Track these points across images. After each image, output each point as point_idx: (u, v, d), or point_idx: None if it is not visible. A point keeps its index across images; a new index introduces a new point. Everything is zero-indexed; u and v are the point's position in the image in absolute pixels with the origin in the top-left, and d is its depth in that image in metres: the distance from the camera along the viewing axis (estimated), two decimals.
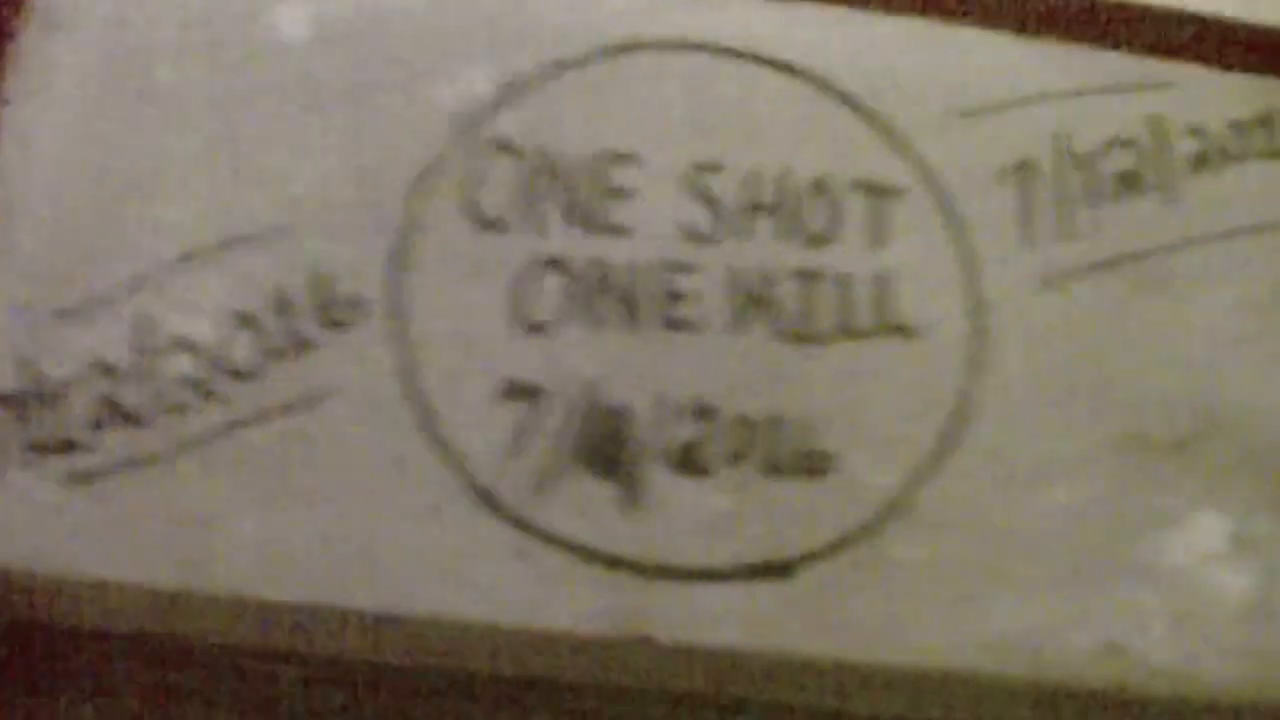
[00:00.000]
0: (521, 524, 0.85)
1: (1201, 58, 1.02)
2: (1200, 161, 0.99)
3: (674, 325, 0.89)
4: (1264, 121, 1.02)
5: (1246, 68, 1.03)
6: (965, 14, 0.98)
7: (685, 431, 0.88)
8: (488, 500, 0.85)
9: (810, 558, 0.87)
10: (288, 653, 0.84)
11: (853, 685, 0.87)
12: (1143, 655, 0.89)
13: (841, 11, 0.97)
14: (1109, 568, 0.91)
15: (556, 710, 0.89)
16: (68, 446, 0.83)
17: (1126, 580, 0.91)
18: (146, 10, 0.90)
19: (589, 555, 0.85)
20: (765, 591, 0.86)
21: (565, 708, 0.88)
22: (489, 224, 0.89)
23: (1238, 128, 1.01)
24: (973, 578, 0.89)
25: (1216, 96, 1.01)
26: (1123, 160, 0.98)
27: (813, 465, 0.89)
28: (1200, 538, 0.93)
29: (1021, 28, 0.99)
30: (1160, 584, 0.92)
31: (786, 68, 0.95)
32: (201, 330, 0.85)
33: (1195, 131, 1.00)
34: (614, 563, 0.85)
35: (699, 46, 0.94)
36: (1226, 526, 0.93)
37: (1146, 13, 1.02)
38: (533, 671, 0.86)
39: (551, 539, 0.85)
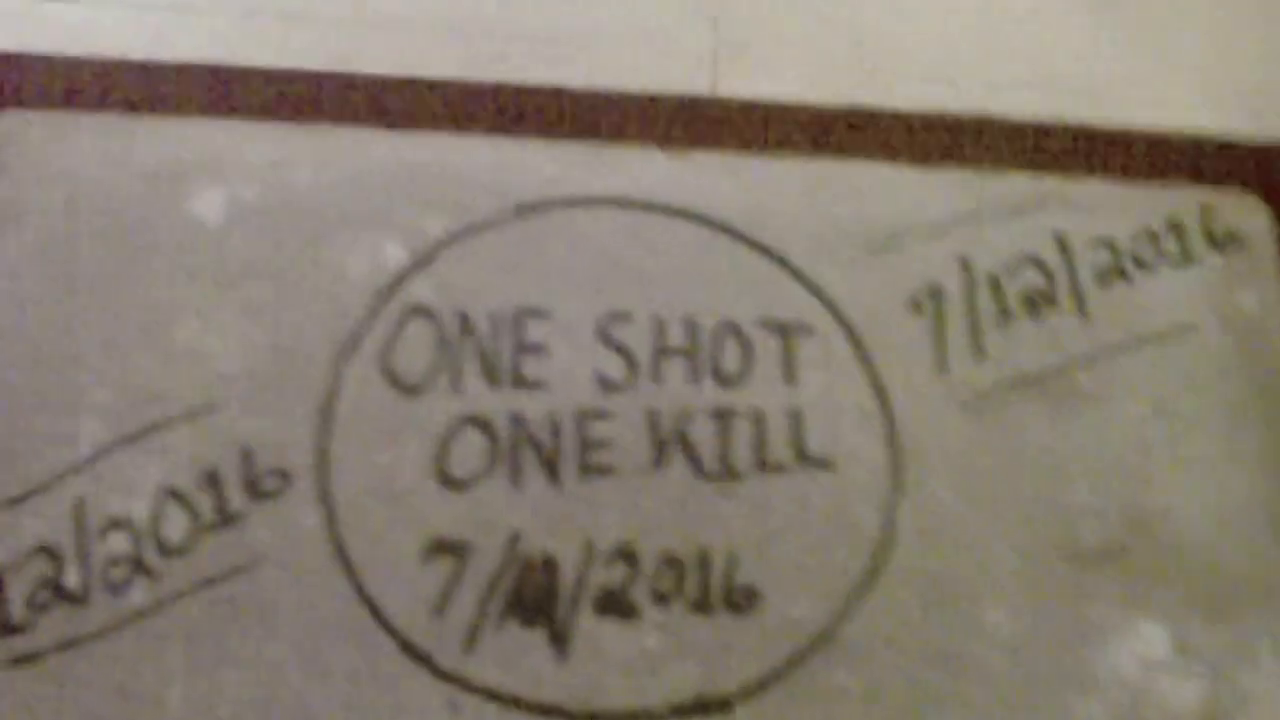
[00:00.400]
0: (454, 679, 0.87)
1: (1102, 169, 1.05)
2: (1111, 273, 1.01)
3: (594, 471, 0.92)
4: (1175, 227, 1.04)
5: (1150, 175, 1.05)
6: (860, 151, 1.02)
7: (611, 575, 0.90)
8: (419, 657, 0.87)
9: (744, 694, 0.88)
10: None
11: None
12: None
13: (737, 158, 1.01)
14: (1053, 681, 0.91)
15: None
16: (11, 630, 0.85)
17: (1072, 693, 0.91)
18: (74, 203, 0.95)
19: (521, 705, 0.86)
20: None
21: None
22: (409, 388, 0.92)
23: (1148, 236, 1.03)
24: (911, 701, 0.90)
25: (1120, 207, 1.04)
26: (1031, 279, 1.01)
27: (739, 601, 0.90)
28: (1143, 647, 0.93)
29: (917, 158, 1.03)
30: (1107, 695, 0.92)
31: (689, 216, 0.98)
32: (135, 510, 0.88)
33: (1102, 244, 1.02)
34: (546, 711, 0.87)
35: (603, 202, 0.98)
36: (1168, 633, 0.93)
37: (1041, 130, 1.05)
38: None
39: (484, 692, 0.86)
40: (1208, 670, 0.93)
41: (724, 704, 0.88)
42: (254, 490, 0.89)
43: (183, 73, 1.01)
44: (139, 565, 0.87)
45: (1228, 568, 0.95)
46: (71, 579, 0.87)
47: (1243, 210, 1.04)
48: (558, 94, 1.03)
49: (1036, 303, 1.00)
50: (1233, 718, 0.92)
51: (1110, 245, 1.02)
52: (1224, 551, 0.96)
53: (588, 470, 0.92)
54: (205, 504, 0.88)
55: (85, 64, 1.00)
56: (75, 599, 0.86)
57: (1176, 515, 0.96)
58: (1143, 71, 1.13)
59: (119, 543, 0.87)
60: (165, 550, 0.87)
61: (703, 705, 0.88)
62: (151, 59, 1.01)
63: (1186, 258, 1.03)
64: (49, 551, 0.87)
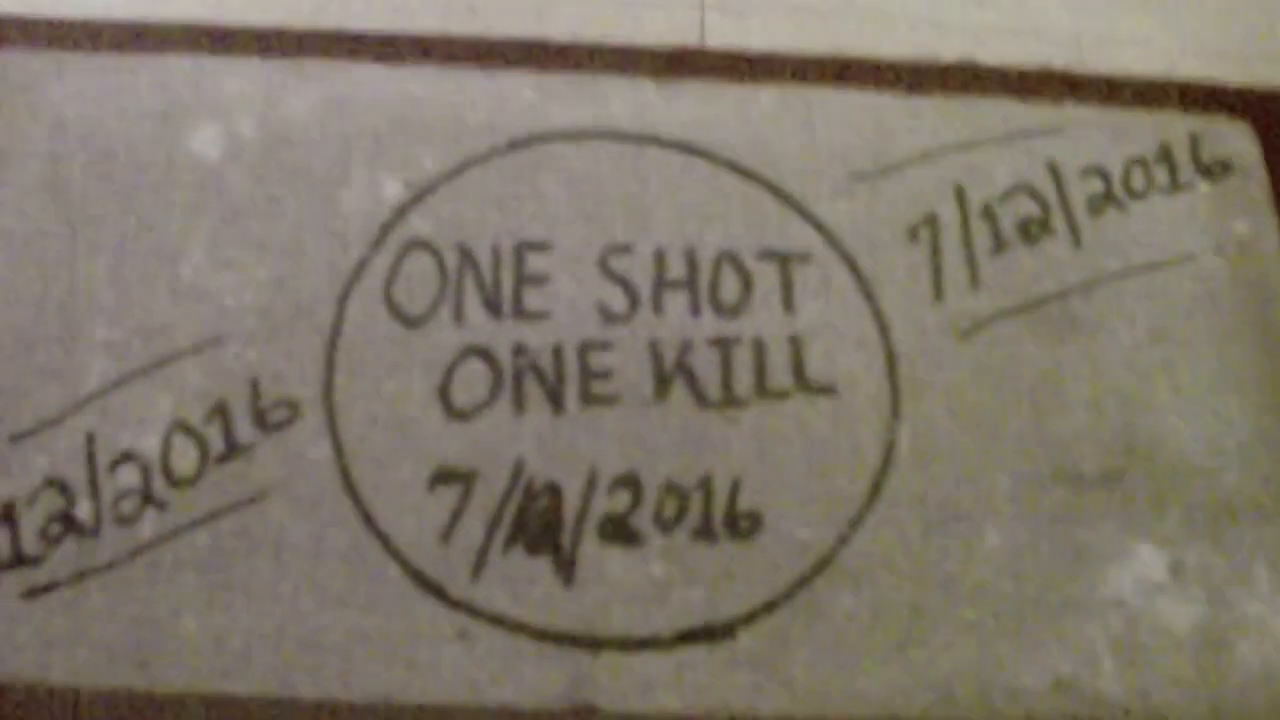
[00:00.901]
0: (461, 606, 0.88)
1: (1090, 103, 1.06)
2: (1104, 201, 1.03)
3: (597, 401, 0.93)
4: (1165, 155, 1.05)
5: (1135, 106, 1.06)
6: (850, 79, 1.03)
7: (615, 503, 0.91)
8: (427, 585, 0.88)
9: (748, 617, 0.90)
10: None
11: None
12: (1093, 690, 0.91)
13: (727, 87, 1.02)
14: (1052, 604, 0.93)
15: None
16: (24, 562, 0.87)
17: (1071, 616, 0.93)
18: (73, 142, 0.96)
19: (529, 632, 0.88)
20: (706, 655, 0.88)
21: None
22: (412, 320, 0.93)
23: (1139, 164, 1.04)
24: (913, 622, 0.91)
25: (1111, 136, 1.05)
26: (1025, 207, 1.02)
27: (742, 526, 0.91)
28: (1141, 569, 0.94)
29: (907, 88, 1.04)
30: (1105, 618, 0.93)
31: (683, 147, 0.99)
32: (145, 443, 0.89)
33: (1094, 172, 1.03)
34: (554, 637, 0.88)
35: (596, 135, 0.99)
36: (1165, 556, 0.95)
37: (1027, 75, 1.06)
38: None
39: (491, 618, 0.88)
40: (1204, 592, 0.94)
41: (728, 629, 0.89)
42: (262, 422, 0.90)
43: (171, 28, 1.02)
44: (149, 497, 0.88)
45: (1224, 491, 0.96)
46: (83, 511, 0.88)
47: (1232, 138, 1.05)
48: (545, 46, 1.04)
49: (1031, 230, 1.01)
50: (1229, 638, 0.93)
51: (1102, 174, 1.03)
52: (1220, 475, 0.97)
53: (590, 400, 0.93)
54: (214, 436, 0.90)
55: (76, 21, 1.01)
56: (87, 531, 0.88)
57: (1173, 439, 0.97)
58: (1128, 20, 1.13)
59: (129, 475, 0.89)
60: (175, 482, 0.89)
61: (707, 631, 0.89)
62: (141, 18, 1.03)
63: (1177, 186, 1.04)
64: (60, 485, 0.88)
